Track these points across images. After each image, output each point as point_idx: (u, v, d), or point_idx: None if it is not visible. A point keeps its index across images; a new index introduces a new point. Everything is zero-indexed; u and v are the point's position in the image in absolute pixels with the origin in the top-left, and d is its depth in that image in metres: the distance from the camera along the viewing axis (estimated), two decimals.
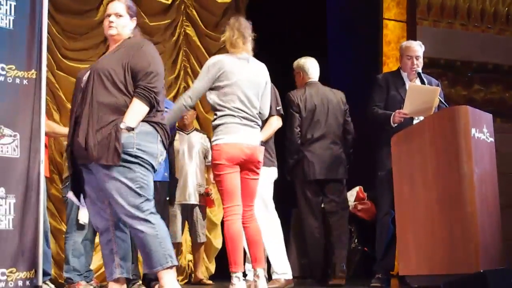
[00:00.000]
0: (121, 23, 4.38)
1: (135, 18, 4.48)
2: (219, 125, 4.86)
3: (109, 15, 4.40)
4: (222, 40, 5.06)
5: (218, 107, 4.88)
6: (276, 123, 5.85)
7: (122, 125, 4.04)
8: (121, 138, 4.03)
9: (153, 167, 4.22)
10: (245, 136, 4.86)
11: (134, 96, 4.11)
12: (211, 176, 6.63)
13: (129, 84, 4.13)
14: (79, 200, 4.36)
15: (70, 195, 4.39)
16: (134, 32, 4.48)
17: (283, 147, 6.35)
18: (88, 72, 4.24)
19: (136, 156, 4.09)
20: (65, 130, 5.63)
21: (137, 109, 4.11)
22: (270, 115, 5.50)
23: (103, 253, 4.36)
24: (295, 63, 6.53)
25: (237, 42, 4.97)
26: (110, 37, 4.43)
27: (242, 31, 5.00)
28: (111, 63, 4.17)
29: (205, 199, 7.12)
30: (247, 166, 4.91)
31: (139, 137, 4.11)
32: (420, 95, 5.62)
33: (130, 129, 4.06)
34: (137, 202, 4.08)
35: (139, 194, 4.10)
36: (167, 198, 6.50)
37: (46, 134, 5.33)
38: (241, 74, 4.91)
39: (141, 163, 4.12)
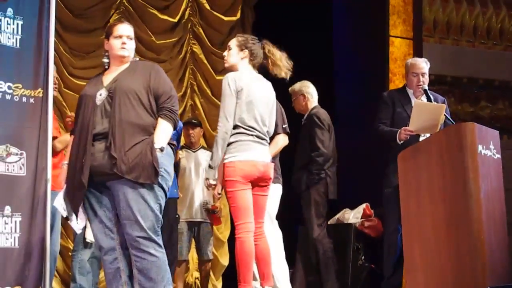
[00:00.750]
0: (131, 46, 4.51)
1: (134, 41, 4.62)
2: (232, 142, 4.88)
3: (120, 36, 4.47)
4: (248, 50, 5.12)
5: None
6: (282, 140, 5.88)
7: (157, 145, 4.18)
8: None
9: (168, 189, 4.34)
10: (259, 154, 4.90)
11: (161, 118, 4.28)
12: (216, 193, 6.66)
13: (153, 105, 4.28)
14: (76, 216, 4.32)
15: (58, 205, 4.37)
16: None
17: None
18: (103, 90, 4.31)
19: (161, 177, 4.20)
20: None
21: (166, 130, 4.29)
22: (277, 132, 5.57)
23: (107, 272, 4.35)
24: (297, 87, 6.57)
25: (281, 63, 5.15)
26: (119, 58, 4.48)
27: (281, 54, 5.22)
28: (135, 84, 4.29)
29: (211, 217, 7.12)
30: (259, 183, 4.94)
31: (164, 158, 4.25)
32: (426, 112, 5.62)
33: (162, 150, 4.21)
34: (155, 225, 4.18)
35: (157, 217, 4.20)
36: (177, 216, 6.53)
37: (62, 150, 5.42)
38: (255, 92, 4.95)
39: (163, 184, 4.24)
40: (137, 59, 4.62)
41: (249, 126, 4.88)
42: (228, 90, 4.88)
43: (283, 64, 5.15)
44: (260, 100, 4.96)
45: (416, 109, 5.65)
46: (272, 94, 5.15)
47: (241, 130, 4.88)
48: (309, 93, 6.55)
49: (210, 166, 4.95)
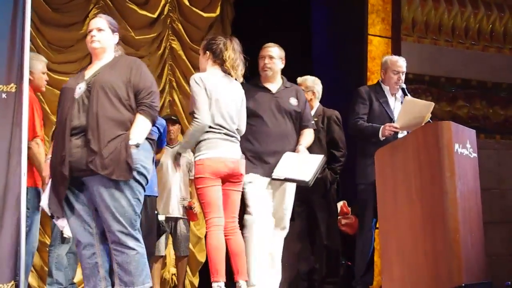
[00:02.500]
0: (103, 37, 4.45)
1: (117, 33, 4.57)
2: (201, 141, 4.98)
3: (91, 30, 4.47)
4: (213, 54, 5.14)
5: None
6: (312, 135, 5.88)
7: (132, 142, 4.14)
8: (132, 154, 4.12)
9: (146, 183, 4.32)
10: (227, 151, 5.00)
11: (140, 113, 4.25)
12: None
13: (132, 100, 4.25)
14: (62, 212, 4.32)
15: (45, 205, 4.37)
16: (117, 47, 4.58)
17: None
18: (82, 83, 4.28)
19: (138, 173, 4.18)
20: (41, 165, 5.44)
21: (144, 126, 4.25)
22: (307, 127, 5.75)
23: (84, 266, 4.34)
24: (310, 82, 6.48)
25: (237, 67, 5.16)
26: (93, 51, 4.48)
27: (241, 57, 5.21)
28: (114, 79, 4.25)
29: (188, 213, 7.11)
30: (230, 179, 5.03)
31: (141, 153, 4.21)
32: (415, 109, 5.64)
33: (138, 146, 4.16)
34: (133, 220, 4.17)
35: (135, 212, 4.19)
36: (156, 212, 6.50)
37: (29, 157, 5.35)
38: (223, 92, 5.04)
39: (140, 180, 4.22)
40: (120, 53, 4.58)
41: (217, 124, 4.99)
42: (197, 87, 4.98)
43: (236, 69, 5.18)
44: (227, 98, 5.06)
45: (406, 106, 5.66)
46: (240, 92, 5.22)
47: (209, 128, 4.97)
48: (318, 91, 6.51)
49: (177, 152, 5.23)
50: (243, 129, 5.24)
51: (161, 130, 6.48)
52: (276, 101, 5.58)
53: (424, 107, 5.66)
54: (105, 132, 4.12)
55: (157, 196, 6.50)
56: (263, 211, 5.38)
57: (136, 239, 4.17)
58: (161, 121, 6.53)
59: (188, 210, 7.08)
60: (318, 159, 5.45)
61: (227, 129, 5.02)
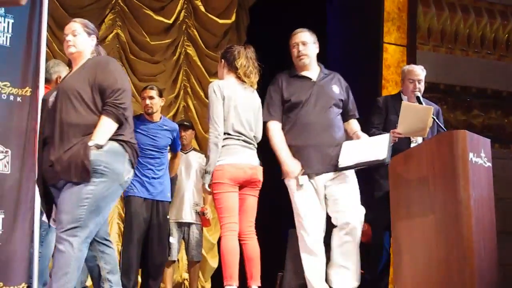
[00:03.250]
0: (78, 41, 4.36)
1: (94, 36, 4.46)
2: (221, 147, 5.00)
3: (66, 35, 4.38)
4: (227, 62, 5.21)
5: None
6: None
7: (90, 143, 3.99)
8: (90, 155, 3.97)
9: (120, 185, 4.17)
10: (246, 157, 5.07)
11: (102, 113, 4.08)
12: (209, 196, 6.69)
13: (98, 102, 4.11)
14: (48, 215, 4.30)
15: (43, 217, 4.40)
16: (98, 50, 4.48)
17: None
18: (55, 92, 4.22)
19: (102, 174, 4.03)
20: None
21: (106, 126, 4.07)
22: (354, 116, 5.57)
23: (88, 268, 4.35)
24: None
25: (250, 74, 5.20)
26: (71, 56, 4.40)
27: (255, 65, 5.26)
28: (78, 82, 4.14)
29: (201, 218, 7.12)
30: (248, 185, 5.09)
31: (107, 155, 4.05)
32: (414, 114, 5.62)
33: (99, 147, 4.01)
34: (77, 221, 3.97)
35: (84, 213, 3.99)
36: (168, 217, 6.52)
37: None
38: (240, 99, 5.10)
39: (107, 181, 4.05)
40: (95, 55, 4.43)
41: (236, 131, 5.04)
42: (214, 96, 5.03)
43: (250, 76, 5.24)
44: (245, 105, 5.12)
45: (403, 111, 5.65)
46: (257, 100, 5.29)
47: (229, 135, 5.02)
48: None
49: (206, 171, 5.04)
50: (259, 136, 5.28)
51: (174, 135, 6.49)
52: (318, 89, 5.30)
53: (423, 112, 5.63)
54: (69, 139, 4.02)
55: (169, 202, 6.52)
56: (316, 225, 5.18)
57: (68, 241, 3.94)
58: (173, 126, 6.56)
59: (201, 216, 7.09)
60: (385, 138, 5.15)
61: (245, 136, 5.08)
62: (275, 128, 5.26)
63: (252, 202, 5.13)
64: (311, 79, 5.32)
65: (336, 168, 5.14)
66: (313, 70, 5.40)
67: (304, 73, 5.36)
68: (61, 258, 3.94)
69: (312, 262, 5.16)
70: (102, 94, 4.11)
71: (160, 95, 6.47)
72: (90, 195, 4.00)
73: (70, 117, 4.05)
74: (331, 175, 5.19)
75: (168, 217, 6.53)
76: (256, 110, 5.24)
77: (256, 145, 5.22)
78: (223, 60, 5.26)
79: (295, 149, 5.17)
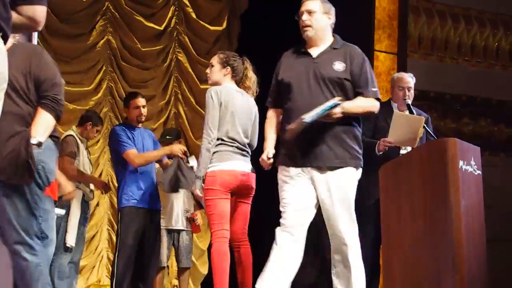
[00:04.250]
0: None
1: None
2: (213, 153, 5.00)
3: None
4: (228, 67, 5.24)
5: None
6: (370, 103, 4.58)
7: (33, 140, 3.66)
8: (33, 153, 3.65)
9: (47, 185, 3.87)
10: (239, 164, 5.06)
11: (42, 108, 3.77)
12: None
13: (32, 93, 3.77)
14: None
15: None
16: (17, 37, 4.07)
17: None
18: None
19: (39, 175, 3.76)
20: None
21: (47, 122, 3.77)
22: (362, 94, 4.51)
23: None
24: None
25: (255, 85, 5.31)
26: None
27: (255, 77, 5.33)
28: (10, 69, 3.61)
29: (191, 225, 7.11)
30: (241, 192, 5.09)
31: (44, 153, 3.77)
32: (405, 124, 5.65)
33: (40, 145, 3.69)
34: (29, 227, 3.76)
35: (33, 218, 3.78)
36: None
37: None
38: (238, 105, 5.11)
39: (42, 182, 3.80)
40: (21, 41, 4.11)
41: (230, 138, 5.04)
42: (211, 103, 5.02)
43: (253, 87, 5.32)
44: (242, 112, 5.12)
45: (395, 120, 5.67)
46: (254, 108, 5.30)
47: (222, 141, 5.01)
48: None
49: (196, 176, 5.03)
50: (254, 143, 5.28)
51: (155, 141, 6.44)
52: (314, 67, 4.45)
53: (414, 121, 5.67)
54: (4, 129, 3.60)
55: (160, 210, 6.46)
56: (295, 218, 4.47)
57: (31, 247, 3.76)
58: (150, 132, 6.52)
59: (191, 222, 7.08)
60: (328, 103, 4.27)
61: (239, 143, 5.08)
62: (268, 116, 4.66)
63: (244, 209, 5.13)
64: (311, 55, 4.51)
65: (326, 163, 4.37)
66: (321, 45, 4.57)
67: (309, 49, 4.57)
68: (26, 268, 3.78)
69: (273, 255, 4.47)
70: (38, 86, 3.78)
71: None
72: (40, 200, 3.78)
73: (6, 105, 3.46)
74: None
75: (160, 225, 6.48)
76: (253, 117, 5.25)
77: (249, 152, 5.21)
78: (228, 67, 5.24)
79: (282, 140, 4.55)
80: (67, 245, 6.01)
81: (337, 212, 4.42)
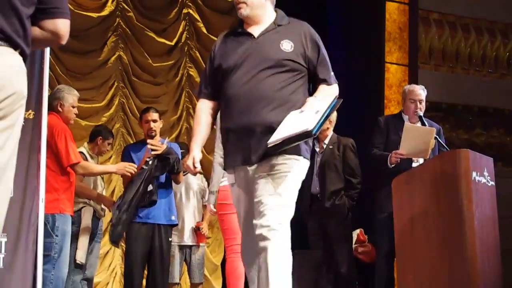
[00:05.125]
0: None
1: None
2: None
3: None
4: None
5: None
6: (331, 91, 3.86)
7: None
8: None
9: None
10: None
11: None
12: (207, 216, 6.88)
13: None
14: None
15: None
16: None
17: None
18: None
19: None
20: (102, 168, 5.99)
21: None
22: (324, 81, 3.82)
23: None
24: None
25: None
26: None
27: None
28: None
29: (196, 234, 7.07)
30: None
31: None
32: (416, 136, 5.64)
33: None
34: None
35: None
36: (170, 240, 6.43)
37: (83, 175, 5.41)
38: None
39: None
40: None
41: None
42: (218, 121, 4.96)
43: None
44: None
45: (406, 132, 5.66)
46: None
47: None
48: (334, 120, 6.51)
49: (210, 192, 5.02)
50: None
51: (179, 156, 6.39)
52: (255, 48, 3.68)
53: (425, 133, 5.65)
54: None
55: (176, 225, 6.41)
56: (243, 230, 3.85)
57: None
58: (175, 145, 6.48)
59: (196, 231, 7.04)
60: (327, 102, 3.57)
61: None
62: (199, 108, 3.86)
63: None
64: (252, 35, 3.73)
65: (263, 156, 3.56)
66: (262, 23, 3.77)
67: (249, 29, 3.77)
68: None
69: None
70: None
71: (159, 117, 6.42)
72: None
73: None
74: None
75: (171, 239, 6.44)
76: None
77: None
78: None
79: (221, 135, 4.01)
80: (77, 261, 6.00)
81: None
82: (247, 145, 3.57)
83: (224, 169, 3.94)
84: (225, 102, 3.70)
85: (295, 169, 3.58)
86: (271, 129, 3.48)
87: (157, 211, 6.05)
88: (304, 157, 3.65)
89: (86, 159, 6.14)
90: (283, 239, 3.45)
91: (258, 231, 3.47)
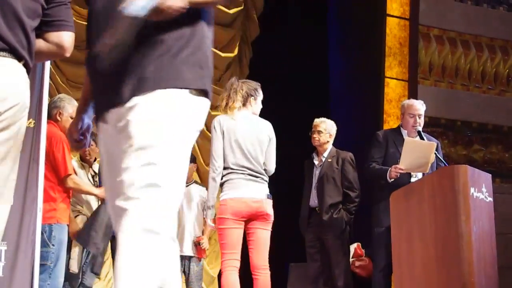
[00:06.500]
0: None
1: None
2: (224, 182, 5.02)
3: None
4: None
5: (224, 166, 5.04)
6: None
7: None
8: None
9: None
10: (250, 191, 5.01)
11: None
12: (208, 229, 6.79)
13: None
14: None
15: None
16: None
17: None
18: None
19: None
20: (89, 188, 5.78)
21: None
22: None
23: None
24: (329, 125, 6.49)
25: (228, 105, 5.11)
26: None
27: (231, 93, 5.13)
28: None
29: (196, 248, 7.07)
30: (256, 219, 5.03)
31: None
32: (416, 150, 5.65)
33: None
34: None
35: None
36: None
37: (71, 188, 5.41)
38: (242, 132, 5.06)
39: None
40: None
41: (240, 166, 5.01)
42: (214, 132, 5.06)
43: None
44: (248, 138, 5.07)
45: (406, 147, 5.67)
46: (265, 132, 5.20)
47: (232, 170, 5.00)
48: (334, 134, 6.53)
49: (207, 206, 5.06)
50: (271, 168, 5.19)
51: None
52: None
53: (425, 148, 5.66)
54: None
55: None
56: None
57: None
58: None
59: (196, 245, 7.04)
60: None
61: (251, 170, 5.04)
62: None
63: (262, 235, 5.06)
64: None
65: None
66: None
67: None
68: None
69: None
70: None
71: None
72: None
73: None
74: None
75: None
76: (265, 142, 5.16)
77: (266, 178, 5.14)
78: (225, 94, 5.25)
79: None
80: (71, 271, 5.99)
81: None
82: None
83: None
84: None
85: None
86: None
87: None
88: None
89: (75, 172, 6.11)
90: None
91: None
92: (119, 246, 2.31)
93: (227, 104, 5.12)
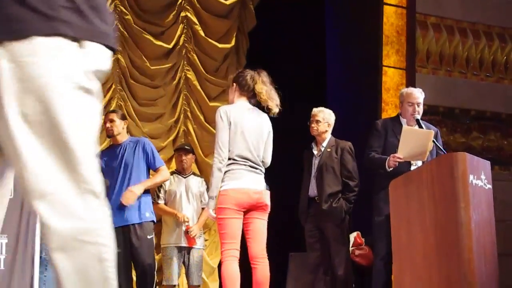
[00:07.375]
0: None
1: None
2: (226, 172, 5.03)
3: None
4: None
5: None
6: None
7: None
8: None
9: None
10: (251, 182, 5.06)
11: None
12: (203, 218, 6.89)
13: None
14: None
15: None
16: None
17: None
18: None
19: None
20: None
21: None
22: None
23: None
24: (327, 114, 6.49)
25: (273, 98, 5.17)
26: None
27: (273, 89, 5.23)
28: None
29: (186, 237, 7.05)
30: (255, 209, 5.08)
31: None
32: (414, 138, 5.64)
33: None
34: None
35: None
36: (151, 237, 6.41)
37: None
38: (248, 124, 5.11)
39: None
40: None
41: (242, 157, 5.04)
42: (220, 123, 5.05)
43: (271, 100, 5.19)
44: (253, 130, 5.12)
45: (404, 135, 5.67)
46: (266, 125, 5.27)
47: (234, 160, 5.03)
48: (333, 123, 6.53)
49: (209, 197, 5.10)
50: (268, 161, 5.28)
51: (147, 150, 6.42)
52: None
53: (423, 136, 5.66)
54: None
55: (152, 221, 6.42)
56: None
57: None
58: (139, 139, 6.57)
59: (185, 234, 7.01)
60: None
61: (252, 161, 5.09)
62: None
63: (260, 225, 5.11)
64: None
65: None
66: None
67: None
68: None
69: None
70: None
71: (123, 118, 6.57)
72: None
73: None
74: None
75: (150, 236, 6.41)
76: (265, 135, 5.23)
77: (263, 170, 5.21)
78: (235, 84, 5.28)
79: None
80: None
81: None
82: None
83: None
84: None
85: None
86: None
87: (128, 213, 6.12)
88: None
89: None
90: None
91: None
92: None
93: (269, 97, 5.13)
